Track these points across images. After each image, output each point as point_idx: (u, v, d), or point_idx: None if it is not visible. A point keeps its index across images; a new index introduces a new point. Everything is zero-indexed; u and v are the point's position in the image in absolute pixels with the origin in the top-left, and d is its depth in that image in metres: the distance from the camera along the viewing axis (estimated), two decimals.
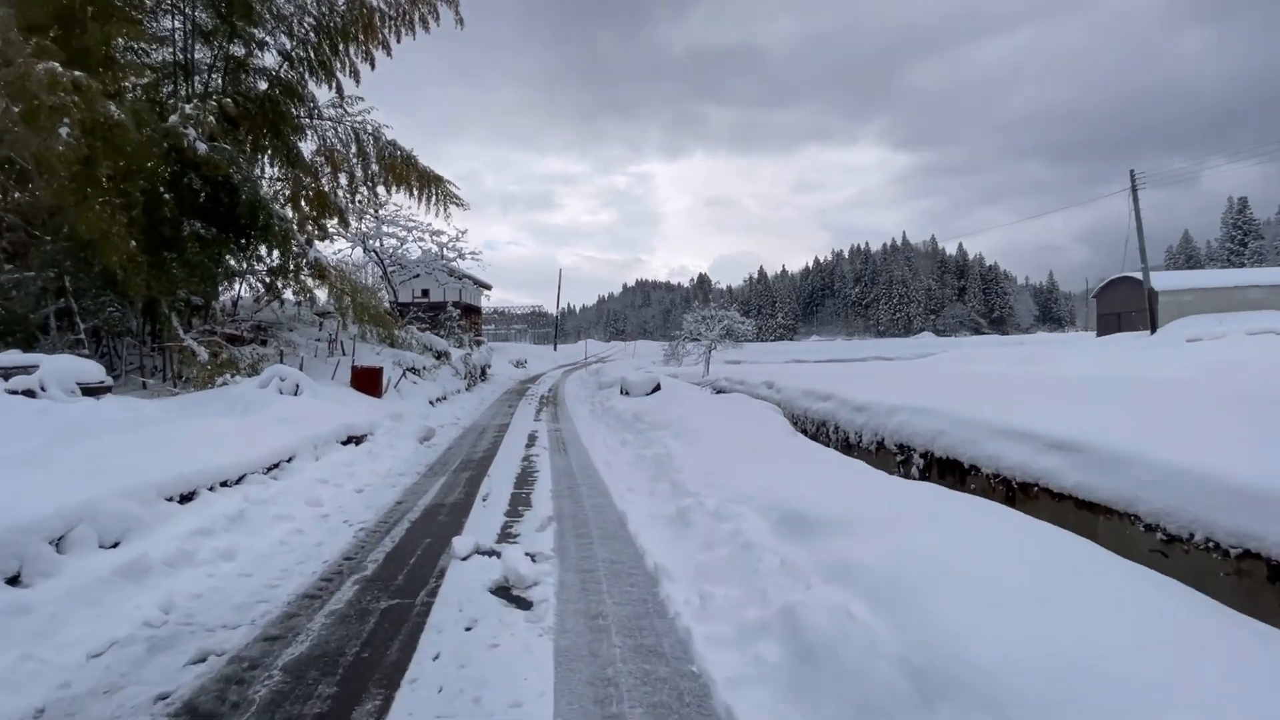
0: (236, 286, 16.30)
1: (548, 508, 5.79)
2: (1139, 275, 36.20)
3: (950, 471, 8.15)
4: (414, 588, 3.91)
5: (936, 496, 4.34)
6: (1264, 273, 37.92)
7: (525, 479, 7.12)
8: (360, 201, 18.07)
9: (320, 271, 13.69)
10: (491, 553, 4.46)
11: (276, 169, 16.23)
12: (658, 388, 14.41)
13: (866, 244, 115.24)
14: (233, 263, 13.41)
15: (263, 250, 13.07)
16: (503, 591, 3.81)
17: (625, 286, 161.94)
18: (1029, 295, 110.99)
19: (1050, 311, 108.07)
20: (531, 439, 10.24)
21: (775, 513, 4.10)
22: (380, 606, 3.63)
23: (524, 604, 3.62)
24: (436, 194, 18.25)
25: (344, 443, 7.96)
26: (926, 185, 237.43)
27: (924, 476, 8.26)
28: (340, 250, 23.24)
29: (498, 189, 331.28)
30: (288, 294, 16.23)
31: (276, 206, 12.82)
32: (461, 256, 25.74)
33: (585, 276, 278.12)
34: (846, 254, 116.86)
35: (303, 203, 16.28)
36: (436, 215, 18.06)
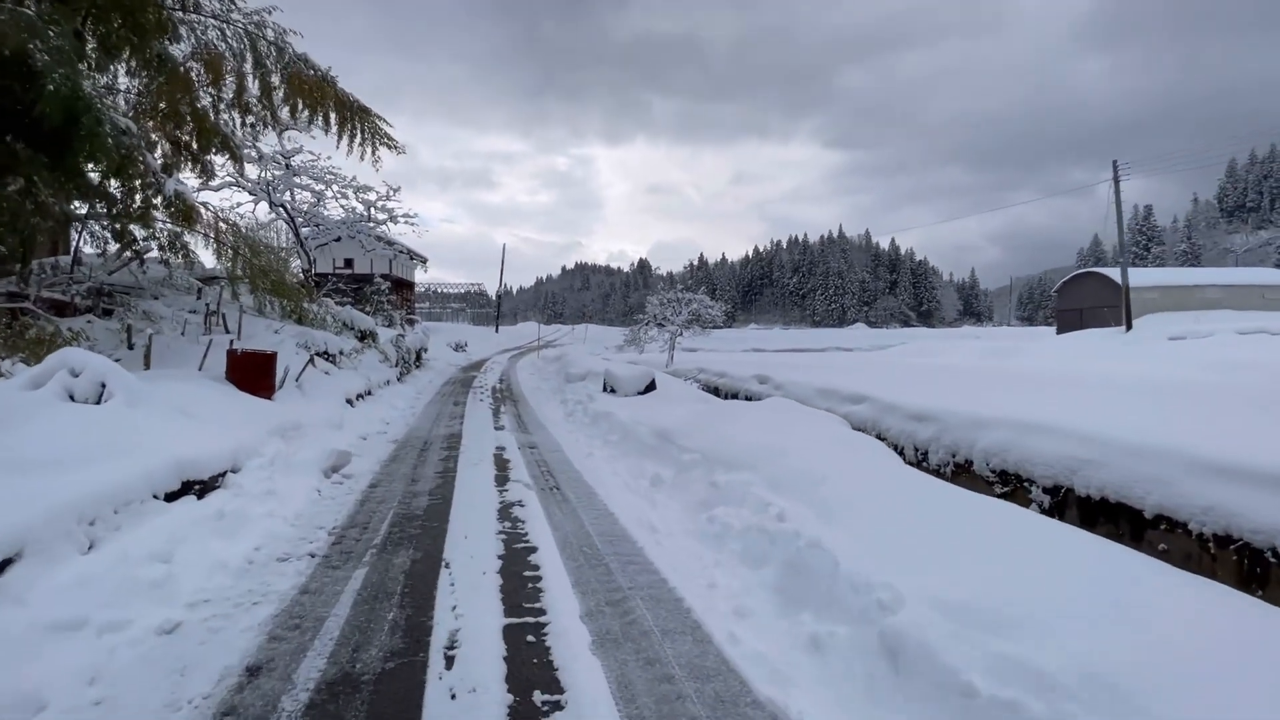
0: (75, 236, 11.93)
1: (600, 698, 2.55)
2: (1105, 270, 35.86)
3: (1108, 518, 5.64)
4: None
5: None
6: (1220, 272, 38.45)
7: (517, 575, 3.80)
8: (254, 125, 13.76)
9: (186, 213, 9.65)
10: None
11: (139, 81, 11.95)
12: (652, 385, 11.21)
13: (805, 235, 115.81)
14: (50, 199, 9.21)
15: (94, 177, 8.92)
16: None
17: (564, 269, 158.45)
18: (953, 290, 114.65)
19: (971, 306, 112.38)
20: (501, 465, 6.84)
21: None
22: None
23: None
24: (362, 130, 14.20)
25: (173, 496, 4.32)
26: (856, 183, 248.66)
27: (1048, 514, 5.86)
28: (241, 204, 18.67)
29: (434, 164, 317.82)
30: (154, 251, 12.03)
31: (117, 115, 8.73)
32: (393, 219, 21.42)
33: (524, 258, 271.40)
34: (785, 244, 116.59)
35: (175, 129, 12.07)
36: (362, 159, 13.95)
